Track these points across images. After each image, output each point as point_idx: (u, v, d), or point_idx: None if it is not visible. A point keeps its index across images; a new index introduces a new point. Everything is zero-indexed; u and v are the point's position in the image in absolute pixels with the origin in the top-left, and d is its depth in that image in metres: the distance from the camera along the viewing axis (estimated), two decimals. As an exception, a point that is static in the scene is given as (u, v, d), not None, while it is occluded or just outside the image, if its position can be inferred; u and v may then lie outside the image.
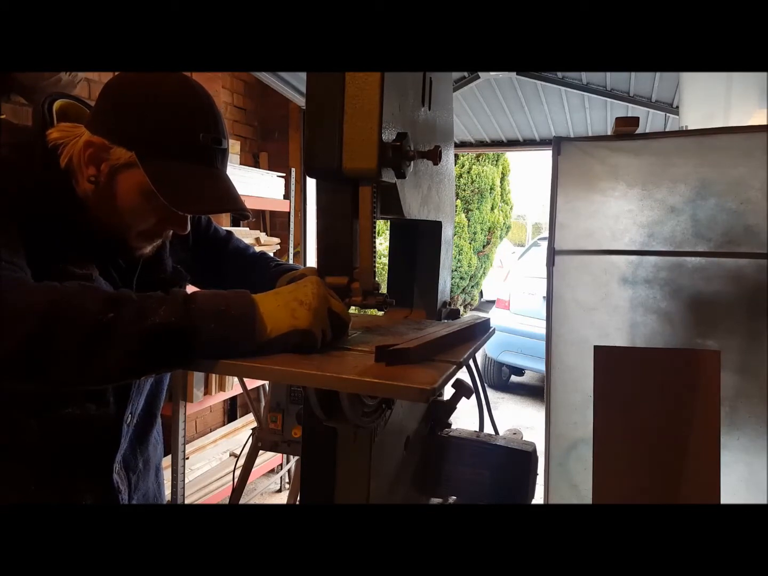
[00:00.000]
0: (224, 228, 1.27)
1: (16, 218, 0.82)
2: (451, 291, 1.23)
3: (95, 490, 0.97)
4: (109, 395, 0.94)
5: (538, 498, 1.21)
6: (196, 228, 1.17)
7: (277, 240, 3.32)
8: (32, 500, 0.91)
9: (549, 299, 2.12)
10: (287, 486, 3.53)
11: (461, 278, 10.27)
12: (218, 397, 2.96)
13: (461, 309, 9.28)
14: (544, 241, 4.05)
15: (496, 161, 10.73)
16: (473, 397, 1.11)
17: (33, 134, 0.92)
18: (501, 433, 1.17)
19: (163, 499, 1.20)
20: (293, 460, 3.39)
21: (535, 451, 1.06)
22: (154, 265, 1.03)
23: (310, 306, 0.77)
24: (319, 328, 0.77)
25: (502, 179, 10.95)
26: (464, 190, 10.26)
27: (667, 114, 3.50)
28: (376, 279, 0.85)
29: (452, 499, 1.12)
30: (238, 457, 2.74)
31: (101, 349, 0.68)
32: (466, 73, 3.34)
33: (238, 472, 2.38)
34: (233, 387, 2.98)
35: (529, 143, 4.30)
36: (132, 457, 1.05)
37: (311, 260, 3.75)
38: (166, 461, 2.87)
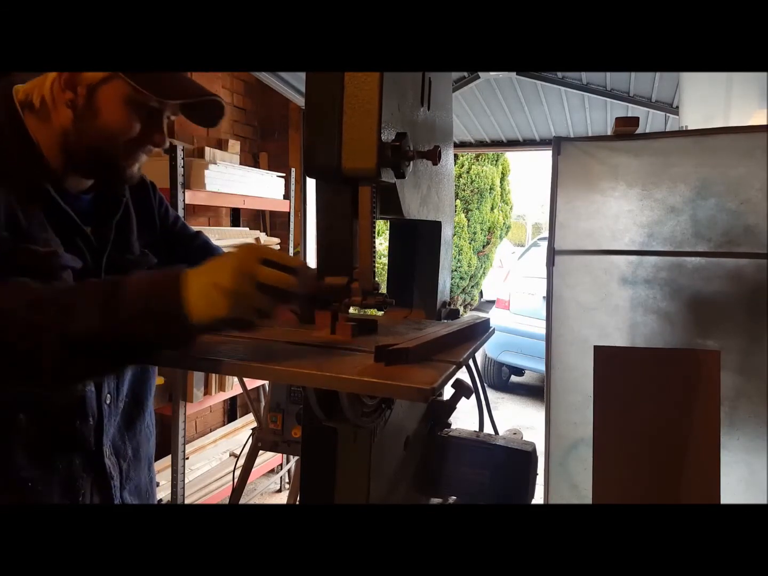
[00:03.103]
0: (195, 228, 1.31)
1: None
2: (451, 291, 1.23)
3: (89, 474, 0.98)
4: None
5: (538, 498, 1.21)
6: (164, 221, 1.19)
7: (276, 240, 3.32)
8: (31, 488, 0.92)
9: (549, 299, 2.12)
10: (287, 486, 3.53)
11: (461, 278, 10.27)
12: (218, 397, 2.96)
13: (461, 309, 9.29)
14: (544, 241, 4.05)
15: (496, 161, 10.73)
16: (473, 397, 1.11)
17: None
18: (501, 433, 1.17)
19: (154, 495, 1.19)
20: (293, 460, 3.39)
21: (534, 451, 1.06)
22: (122, 245, 1.04)
23: (226, 291, 0.70)
24: (244, 310, 0.72)
25: (502, 179, 10.95)
26: (464, 190, 10.26)
27: (667, 114, 3.50)
28: (376, 279, 0.85)
29: (452, 499, 1.12)
30: (238, 457, 2.74)
31: (30, 355, 0.69)
32: (465, 73, 3.34)
33: (238, 472, 2.38)
34: (233, 387, 2.98)
35: (528, 143, 4.30)
36: (121, 443, 1.05)
37: (311, 260, 3.75)
38: (166, 461, 2.87)
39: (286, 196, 3.33)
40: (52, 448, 0.94)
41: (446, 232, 1.16)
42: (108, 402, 1.00)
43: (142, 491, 1.12)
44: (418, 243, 1.14)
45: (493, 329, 1.05)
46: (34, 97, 0.92)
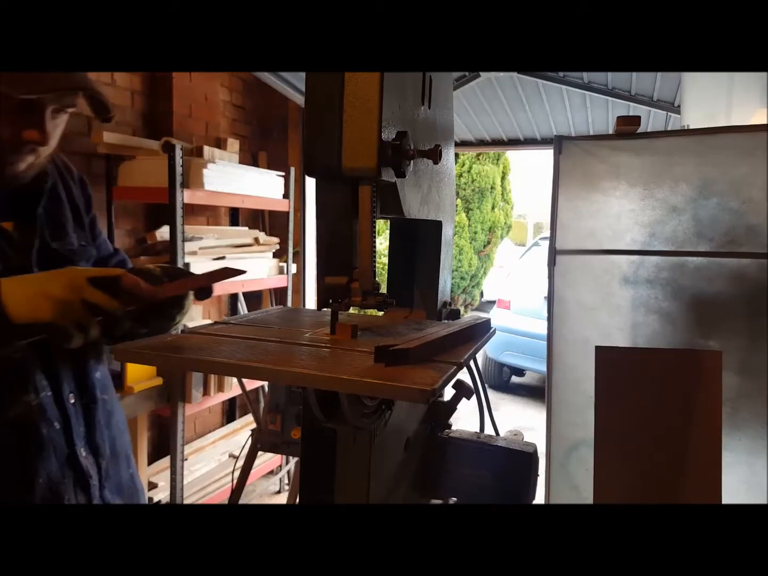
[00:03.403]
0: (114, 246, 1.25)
1: None
2: (452, 291, 1.22)
3: (69, 477, 0.98)
4: (35, 380, 0.94)
5: (539, 499, 1.21)
6: (91, 225, 1.15)
7: (276, 239, 3.32)
8: (14, 490, 0.92)
9: (550, 299, 2.12)
10: (287, 487, 3.53)
11: (462, 278, 10.26)
12: (217, 398, 2.96)
13: (462, 309, 9.29)
14: (546, 240, 4.04)
15: (497, 160, 10.72)
16: (474, 397, 1.10)
17: None
18: (502, 434, 1.17)
19: (139, 490, 1.18)
20: (293, 461, 3.39)
21: (535, 452, 1.05)
22: (57, 236, 1.02)
23: (53, 298, 0.77)
24: (66, 320, 0.78)
25: (503, 178, 10.94)
26: (465, 190, 10.25)
27: (669, 113, 3.50)
28: (376, 279, 0.85)
29: (452, 500, 1.11)
30: (237, 458, 2.74)
31: None
32: (466, 72, 3.33)
33: (237, 474, 2.38)
34: (232, 388, 2.98)
35: (530, 142, 4.29)
36: (100, 441, 1.05)
37: (311, 260, 3.75)
38: (165, 462, 2.86)
39: (286, 196, 3.32)
40: (28, 457, 0.94)
41: (447, 232, 1.16)
42: (72, 402, 1.00)
43: (123, 488, 1.11)
44: (419, 243, 1.14)
45: (494, 330, 1.05)
46: None
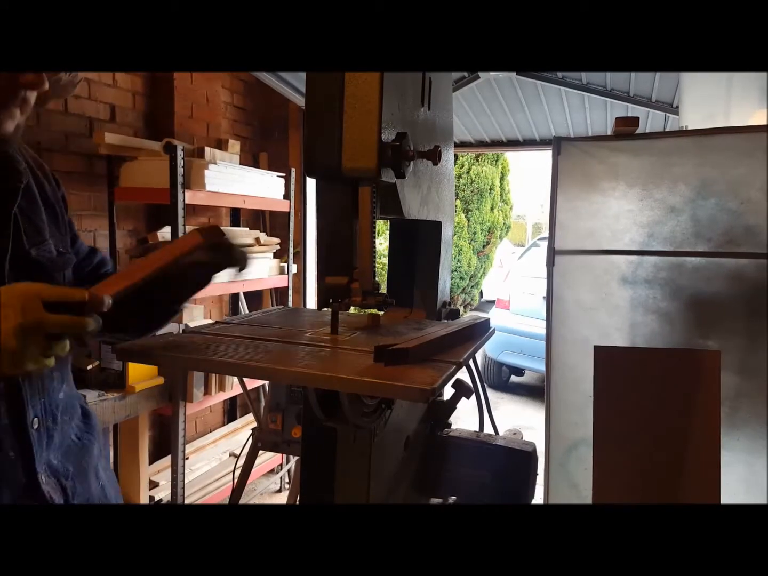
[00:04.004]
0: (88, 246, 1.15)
1: None
2: (451, 291, 1.23)
3: (26, 504, 0.89)
4: None
5: (538, 498, 1.21)
6: (70, 226, 1.04)
7: (276, 240, 3.32)
8: None
9: (549, 299, 2.12)
10: (287, 486, 3.53)
11: (461, 278, 10.26)
12: (218, 397, 2.96)
13: (461, 309, 9.29)
14: (544, 241, 4.04)
15: (496, 161, 10.72)
16: (473, 397, 1.11)
17: None
18: (501, 433, 1.17)
19: (110, 498, 1.08)
20: (293, 460, 3.39)
21: (535, 451, 1.06)
22: (34, 241, 0.92)
23: (13, 353, 0.65)
24: (35, 364, 0.68)
25: (502, 179, 10.94)
26: (464, 190, 10.25)
27: (667, 114, 3.50)
28: (376, 279, 0.85)
29: (452, 499, 1.12)
30: (237, 457, 2.74)
31: None
32: (466, 73, 3.33)
33: (237, 473, 2.38)
34: (233, 387, 2.98)
35: (528, 143, 4.29)
36: (60, 463, 0.96)
37: (311, 260, 3.75)
38: (166, 461, 2.87)
39: (286, 196, 3.32)
40: None
41: (446, 232, 1.16)
42: (36, 427, 0.90)
43: (94, 502, 1.02)
44: (418, 243, 1.14)
45: (494, 329, 1.05)
46: None
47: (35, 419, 0.89)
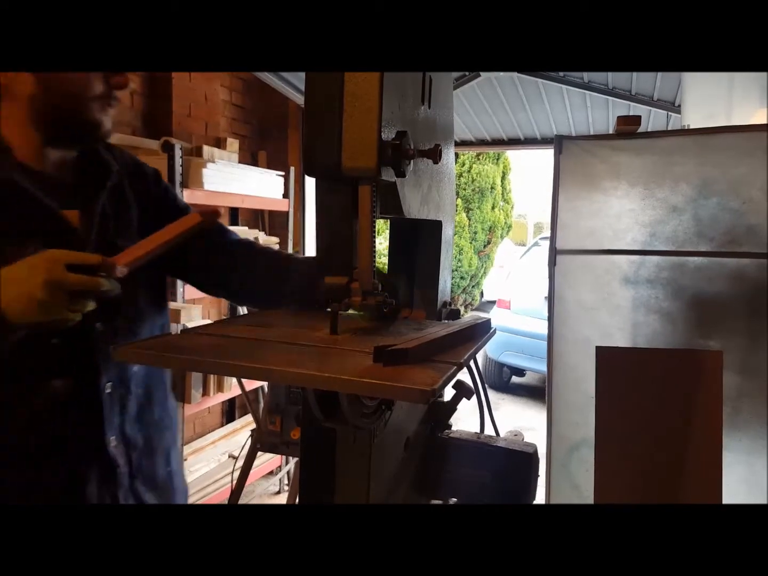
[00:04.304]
0: None
1: None
2: (452, 291, 1.22)
3: (94, 462, 0.99)
4: (70, 367, 0.95)
5: (540, 500, 1.20)
6: (172, 209, 1.17)
7: (275, 239, 3.32)
8: (36, 481, 0.94)
9: (550, 299, 2.12)
10: (286, 488, 3.53)
11: (462, 278, 10.26)
12: (217, 398, 2.96)
13: (462, 309, 9.29)
14: (546, 240, 4.04)
15: (497, 160, 10.72)
16: (474, 398, 1.10)
17: None
18: (502, 434, 1.16)
19: (176, 490, 1.19)
20: (292, 461, 3.39)
21: (536, 452, 1.05)
22: (124, 235, 1.03)
23: (38, 302, 0.78)
24: (57, 315, 0.80)
25: (503, 178, 10.94)
26: (465, 189, 10.26)
27: (669, 113, 3.50)
28: (376, 279, 0.85)
29: (452, 500, 1.11)
30: (236, 458, 2.74)
31: None
32: (466, 71, 3.33)
33: (236, 474, 2.38)
34: (232, 388, 2.98)
35: (530, 142, 4.30)
36: (132, 434, 1.05)
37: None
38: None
39: (285, 195, 3.32)
40: (55, 439, 0.95)
41: (447, 232, 1.15)
42: (108, 391, 1.00)
43: (158, 483, 1.12)
44: (419, 243, 1.14)
45: (495, 330, 1.04)
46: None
47: (108, 383, 1.00)
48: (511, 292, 6.19)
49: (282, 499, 3.47)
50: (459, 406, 1.07)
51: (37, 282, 0.78)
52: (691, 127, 2.35)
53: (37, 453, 0.94)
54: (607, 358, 1.51)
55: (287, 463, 3.49)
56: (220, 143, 3.09)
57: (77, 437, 0.98)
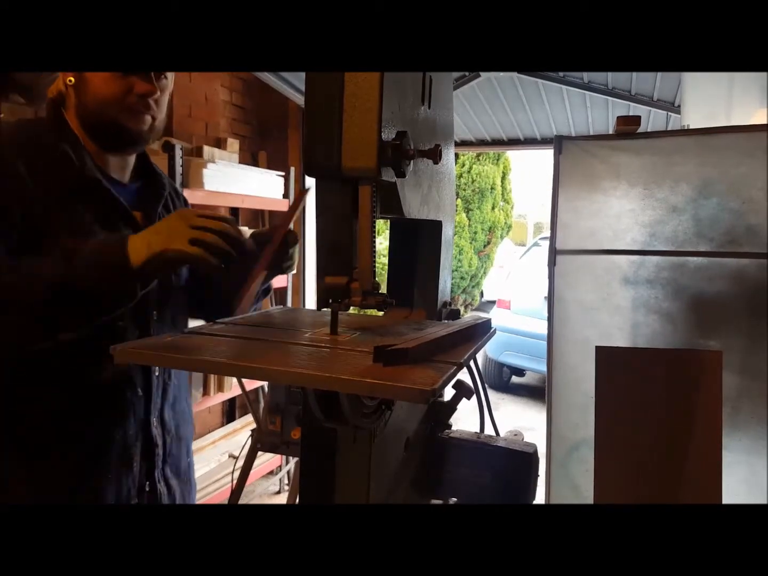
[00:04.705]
0: None
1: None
2: (452, 291, 1.22)
3: (139, 441, 1.07)
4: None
5: (539, 500, 1.20)
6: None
7: (276, 240, 3.31)
8: (91, 455, 1.01)
9: (550, 299, 2.12)
10: (286, 488, 3.52)
11: (462, 278, 10.26)
12: (217, 398, 2.96)
13: (462, 309, 9.28)
14: (546, 240, 4.04)
15: (497, 160, 10.72)
16: (474, 398, 1.10)
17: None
18: (502, 434, 1.16)
19: (192, 482, 1.25)
20: (292, 461, 3.39)
21: (536, 452, 1.05)
22: None
23: (160, 231, 0.88)
24: (181, 243, 0.86)
25: (503, 178, 10.94)
26: (465, 190, 10.26)
27: (669, 113, 3.50)
28: (376, 279, 0.85)
29: (452, 500, 1.11)
30: (237, 458, 2.73)
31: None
32: (466, 72, 3.33)
33: (236, 474, 2.37)
34: (232, 388, 2.98)
35: (530, 142, 4.29)
36: (169, 419, 1.14)
37: (311, 260, 3.75)
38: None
39: (285, 196, 3.32)
40: (109, 417, 1.03)
41: (447, 232, 1.15)
42: (157, 374, 1.09)
43: (181, 472, 1.19)
44: (419, 243, 1.14)
45: (495, 330, 1.04)
46: (52, 89, 1.04)
47: (156, 367, 1.09)
48: (511, 292, 6.19)
49: (282, 499, 3.47)
50: (459, 406, 1.07)
51: (162, 222, 0.90)
52: (691, 127, 2.35)
53: (101, 423, 1.02)
54: (607, 358, 1.51)
55: (287, 463, 3.49)
56: (220, 143, 3.09)
57: (134, 413, 1.06)
